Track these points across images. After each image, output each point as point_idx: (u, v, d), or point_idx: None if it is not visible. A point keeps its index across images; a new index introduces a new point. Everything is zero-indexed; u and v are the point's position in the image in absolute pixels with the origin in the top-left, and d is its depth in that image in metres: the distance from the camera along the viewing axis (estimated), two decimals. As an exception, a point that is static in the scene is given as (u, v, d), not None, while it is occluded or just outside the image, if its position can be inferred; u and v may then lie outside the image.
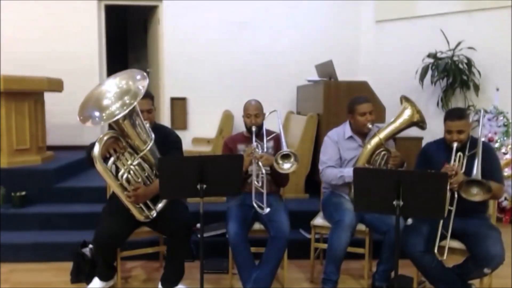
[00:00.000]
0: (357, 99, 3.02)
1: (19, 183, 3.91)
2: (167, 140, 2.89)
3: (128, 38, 7.46)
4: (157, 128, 2.90)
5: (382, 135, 2.89)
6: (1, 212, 3.69)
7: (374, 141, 2.88)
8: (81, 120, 2.44)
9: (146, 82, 2.49)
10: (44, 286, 3.07)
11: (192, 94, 5.69)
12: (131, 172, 2.62)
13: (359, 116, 2.96)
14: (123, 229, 2.73)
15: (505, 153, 4.44)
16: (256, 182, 2.82)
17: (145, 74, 2.58)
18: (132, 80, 2.54)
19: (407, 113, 2.91)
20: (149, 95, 2.89)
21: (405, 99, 2.93)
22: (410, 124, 2.91)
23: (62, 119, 5.25)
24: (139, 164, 2.65)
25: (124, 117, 2.43)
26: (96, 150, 2.48)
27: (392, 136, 2.96)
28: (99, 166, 2.50)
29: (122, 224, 2.72)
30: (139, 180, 2.65)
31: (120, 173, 2.59)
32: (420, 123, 2.91)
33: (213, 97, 5.63)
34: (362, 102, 2.97)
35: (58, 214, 3.75)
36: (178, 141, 2.98)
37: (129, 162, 2.61)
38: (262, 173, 2.82)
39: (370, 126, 2.92)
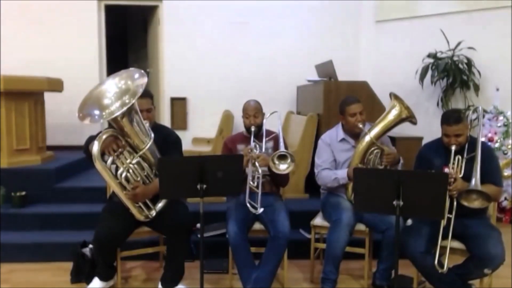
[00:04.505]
0: (346, 100, 3.02)
1: (19, 183, 3.91)
2: (167, 140, 2.89)
3: (128, 38, 7.45)
4: (157, 128, 2.90)
5: (373, 133, 2.89)
6: (1, 212, 3.69)
7: (365, 140, 2.89)
8: (80, 117, 2.45)
9: (144, 80, 2.50)
10: (44, 286, 3.07)
11: (192, 94, 5.69)
12: (130, 171, 2.62)
13: (349, 117, 2.96)
14: (123, 229, 2.73)
15: (505, 153, 4.44)
16: (251, 182, 2.82)
17: (143, 72, 2.59)
18: (131, 80, 2.55)
19: (395, 110, 2.91)
20: (148, 94, 2.89)
21: (394, 96, 2.93)
22: (399, 120, 2.91)
23: (62, 119, 5.24)
24: (138, 163, 2.65)
25: (123, 115, 2.44)
26: (95, 148, 2.49)
27: (383, 134, 2.95)
28: (98, 164, 2.51)
29: (122, 224, 2.72)
30: (138, 179, 2.66)
31: (119, 172, 2.60)
32: (410, 119, 2.90)
33: (213, 97, 5.63)
34: (352, 102, 2.97)
35: (58, 214, 3.76)
36: (178, 142, 2.98)
37: (128, 161, 2.61)
38: (258, 174, 2.82)
39: (360, 126, 2.92)
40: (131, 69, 2.67)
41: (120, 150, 2.57)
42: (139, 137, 2.59)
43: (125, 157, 2.60)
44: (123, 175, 2.60)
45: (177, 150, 2.94)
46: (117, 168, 2.63)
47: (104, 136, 2.53)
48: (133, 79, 2.56)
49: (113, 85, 2.56)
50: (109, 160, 2.57)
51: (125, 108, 2.40)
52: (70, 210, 3.82)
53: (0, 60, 5.16)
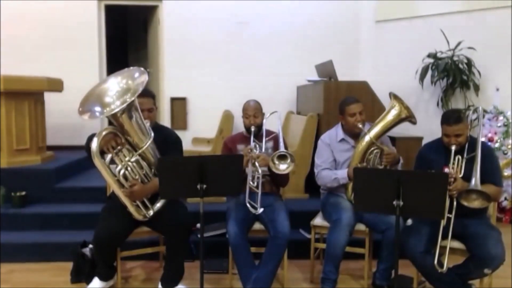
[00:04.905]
0: (346, 100, 3.03)
1: (19, 183, 3.91)
2: (167, 140, 2.90)
3: (128, 38, 7.45)
4: (158, 129, 2.90)
5: (372, 133, 2.89)
6: (1, 212, 3.69)
7: (365, 140, 2.89)
8: (80, 112, 2.46)
9: (144, 78, 2.51)
10: (44, 286, 3.07)
11: (192, 94, 5.69)
12: (129, 168, 2.63)
13: (349, 117, 2.96)
14: (123, 229, 2.73)
15: (505, 153, 4.44)
16: (251, 183, 2.82)
17: (143, 70, 2.61)
18: (131, 79, 2.57)
19: (395, 110, 2.90)
20: (150, 94, 2.90)
21: (393, 96, 2.93)
22: (399, 120, 2.91)
23: (62, 119, 5.25)
24: (137, 162, 2.65)
25: (123, 112, 2.45)
26: (94, 145, 2.51)
27: (383, 134, 2.95)
28: (96, 161, 2.52)
29: (122, 223, 2.72)
30: (137, 177, 2.66)
31: (117, 169, 2.60)
32: (409, 118, 2.90)
33: (213, 97, 5.63)
34: (351, 102, 2.98)
35: (58, 214, 3.76)
36: (178, 142, 2.98)
37: (127, 158, 2.62)
38: (258, 174, 2.82)
39: (360, 126, 2.92)
40: (131, 68, 2.68)
41: (119, 147, 2.58)
42: (139, 136, 2.59)
43: (124, 154, 2.61)
44: (121, 172, 2.60)
45: (177, 150, 2.94)
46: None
47: (104, 133, 2.55)
48: (133, 78, 2.58)
49: (115, 84, 2.58)
50: (108, 157, 2.58)
51: (124, 105, 2.41)
52: (70, 210, 3.82)
53: (0, 60, 5.17)
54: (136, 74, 2.58)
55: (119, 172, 2.60)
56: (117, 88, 2.55)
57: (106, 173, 2.57)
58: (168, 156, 2.76)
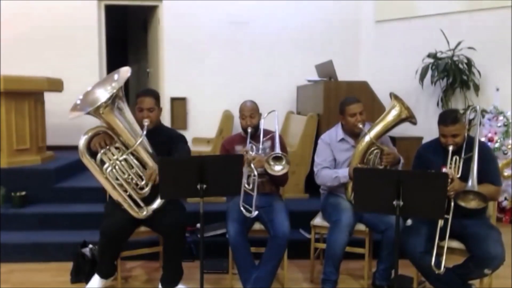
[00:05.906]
0: (346, 100, 3.02)
1: (19, 183, 3.91)
2: (172, 138, 2.91)
3: (128, 38, 7.45)
4: (162, 129, 2.93)
5: (372, 133, 2.88)
6: (1, 212, 3.69)
7: (365, 140, 2.88)
8: (73, 107, 2.51)
9: (124, 73, 2.56)
10: (44, 286, 3.07)
11: (192, 94, 5.70)
12: (116, 167, 2.64)
13: (349, 117, 2.96)
14: (129, 223, 2.74)
15: (505, 153, 4.44)
16: (246, 185, 2.80)
17: (122, 68, 2.64)
18: (114, 82, 2.59)
19: (395, 110, 2.89)
20: (151, 93, 2.91)
21: (394, 96, 2.93)
22: (399, 121, 2.90)
23: (62, 119, 5.21)
24: (125, 160, 2.66)
25: (106, 106, 2.46)
26: (81, 143, 2.53)
27: (383, 134, 2.94)
28: (84, 159, 2.54)
29: (128, 217, 2.72)
30: (125, 176, 2.66)
31: (104, 167, 2.61)
32: (409, 119, 2.90)
33: (213, 97, 5.63)
34: (352, 102, 2.97)
35: (58, 214, 3.76)
36: (183, 137, 2.99)
37: (115, 157, 2.63)
38: (254, 175, 2.81)
39: (360, 126, 2.92)
40: (110, 74, 2.71)
41: (106, 146, 2.60)
42: (127, 134, 2.60)
43: (112, 153, 2.62)
44: (108, 170, 2.62)
45: (184, 143, 2.93)
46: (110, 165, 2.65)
47: (93, 131, 2.57)
48: (115, 80, 2.60)
49: (103, 92, 2.59)
50: (98, 156, 2.60)
51: (107, 96, 2.43)
52: (70, 210, 3.82)
53: (0, 60, 5.17)
54: (116, 76, 2.61)
55: (106, 169, 2.61)
56: (107, 95, 2.53)
57: (95, 171, 2.60)
58: (168, 156, 2.77)
